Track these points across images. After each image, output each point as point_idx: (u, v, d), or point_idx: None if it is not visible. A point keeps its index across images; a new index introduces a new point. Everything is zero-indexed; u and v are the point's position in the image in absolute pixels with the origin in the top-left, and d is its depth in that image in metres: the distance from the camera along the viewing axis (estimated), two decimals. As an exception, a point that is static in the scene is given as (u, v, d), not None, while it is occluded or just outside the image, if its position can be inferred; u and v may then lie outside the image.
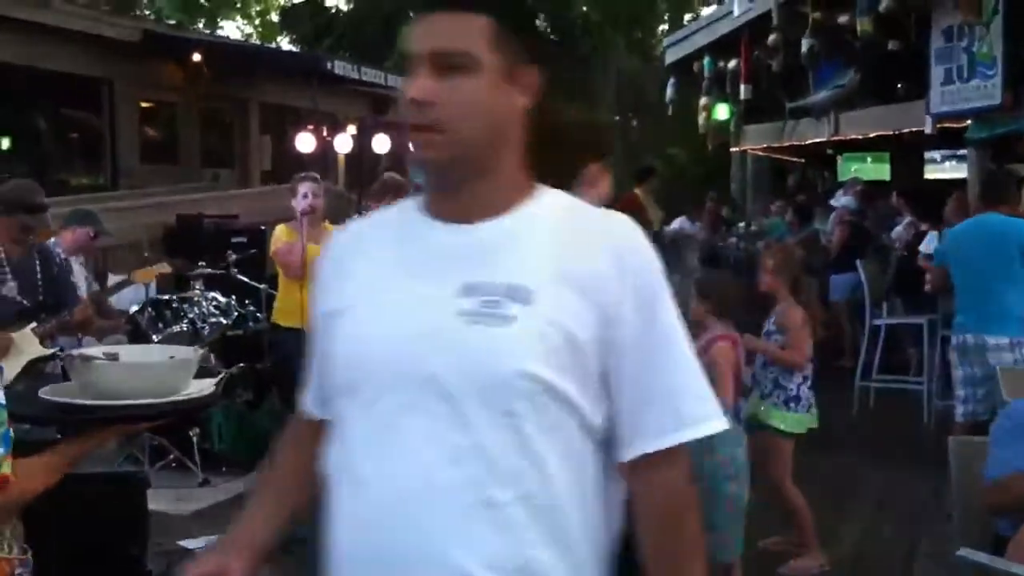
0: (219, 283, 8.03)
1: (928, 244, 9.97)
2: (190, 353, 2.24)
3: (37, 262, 5.73)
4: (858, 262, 9.68)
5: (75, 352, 2.19)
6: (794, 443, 5.22)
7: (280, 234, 6.54)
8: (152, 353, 2.32)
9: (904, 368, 9.66)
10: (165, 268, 7.03)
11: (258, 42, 27.31)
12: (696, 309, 4.62)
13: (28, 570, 2.22)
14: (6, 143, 13.13)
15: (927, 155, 15.01)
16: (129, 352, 2.24)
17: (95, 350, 2.25)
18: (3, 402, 2.07)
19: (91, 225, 7.10)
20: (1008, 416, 3.50)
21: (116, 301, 7.70)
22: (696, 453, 4.50)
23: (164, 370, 2.20)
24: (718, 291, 4.78)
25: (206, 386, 2.26)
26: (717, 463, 4.57)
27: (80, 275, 7.15)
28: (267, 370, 7.46)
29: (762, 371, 5.23)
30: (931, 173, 15.32)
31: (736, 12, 13.53)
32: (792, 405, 5.17)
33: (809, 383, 5.26)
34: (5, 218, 5.58)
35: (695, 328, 4.63)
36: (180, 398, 2.19)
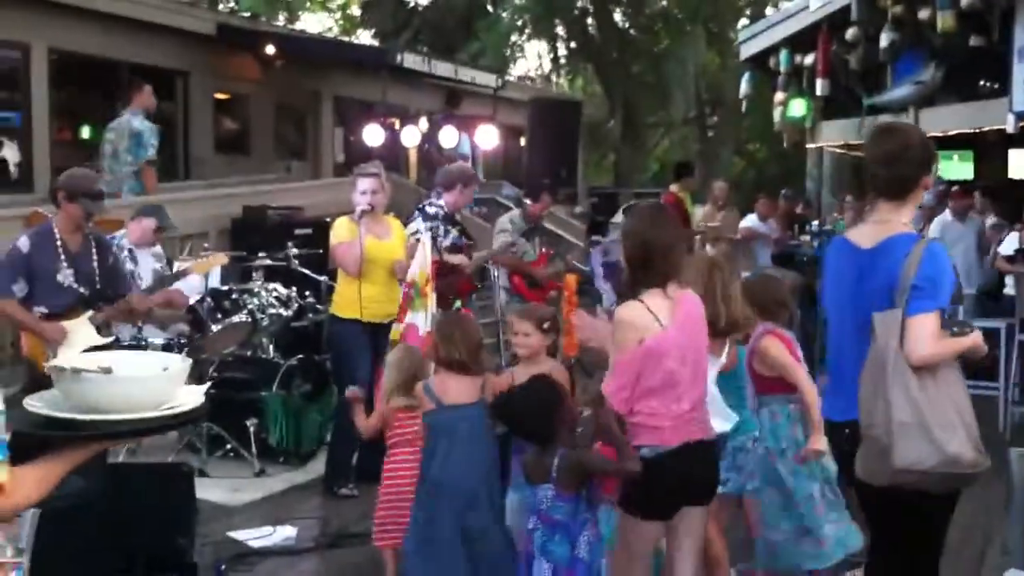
0: (280, 275, 8.06)
1: (1008, 245, 9.67)
2: (181, 363, 2.19)
3: (94, 250, 5.79)
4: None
5: (65, 364, 2.14)
6: None
7: (340, 230, 6.51)
8: (146, 364, 2.26)
9: (980, 372, 9.35)
10: (223, 259, 7.07)
11: (337, 36, 27.49)
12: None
13: (24, 571, 2.18)
14: (87, 132, 13.36)
15: (1012, 153, 14.55)
16: (123, 363, 2.19)
17: (89, 361, 2.19)
18: (2, 408, 2.04)
19: (157, 219, 7.20)
20: None
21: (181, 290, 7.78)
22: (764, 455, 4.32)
23: (155, 384, 2.15)
24: (759, 294, 4.65)
25: (196, 397, 2.21)
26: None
27: (148, 266, 7.25)
28: (325, 362, 7.47)
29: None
30: (1016, 172, 14.86)
31: (813, 6, 13.25)
32: None
33: None
34: (68, 204, 5.66)
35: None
36: (169, 412, 2.14)
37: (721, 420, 4.20)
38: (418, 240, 6.35)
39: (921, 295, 3.30)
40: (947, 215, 10.40)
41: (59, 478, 2.14)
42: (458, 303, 6.82)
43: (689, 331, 3.62)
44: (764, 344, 4.62)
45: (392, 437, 4.85)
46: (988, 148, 14.35)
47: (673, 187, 11.50)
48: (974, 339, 3.47)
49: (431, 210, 7.25)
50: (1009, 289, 9.27)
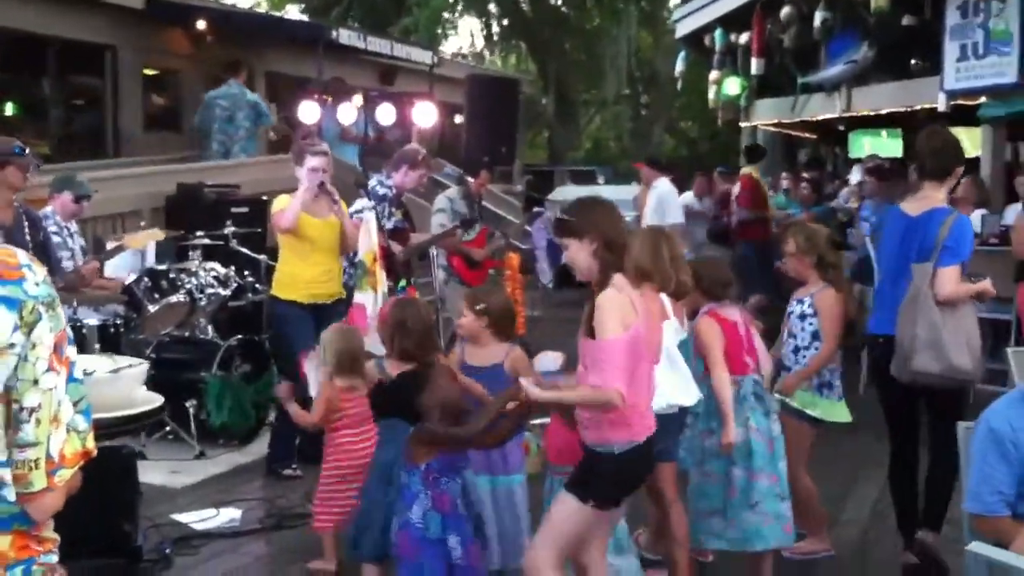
0: (218, 254, 7.92)
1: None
2: (141, 365, 2.17)
3: (26, 225, 5.66)
4: (867, 238, 9.54)
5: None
6: (814, 432, 5.10)
7: (279, 203, 6.36)
8: (97, 365, 2.23)
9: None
10: (158, 235, 6.94)
11: (268, 11, 27.07)
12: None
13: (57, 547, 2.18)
14: (10, 109, 13.02)
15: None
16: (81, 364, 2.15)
17: None
18: (80, 377, 2.08)
19: (71, 190, 7.01)
20: (987, 429, 3.44)
21: (113, 270, 7.62)
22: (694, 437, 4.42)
23: (122, 383, 2.13)
24: (704, 277, 4.70)
25: (154, 398, 2.20)
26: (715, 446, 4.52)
27: (78, 242, 7.09)
28: (265, 342, 7.36)
29: (792, 356, 5.09)
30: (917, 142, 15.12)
31: (749, -16, 13.35)
32: (825, 391, 5.06)
33: (840, 371, 5.15)
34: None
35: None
36: (134, 412, 2.11)
37: (686, 395, 4.24)
38: (361, 219, 6.28)
39: (949, 252, 4.66)
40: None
41: None
42: (403, 282, 6.77)
43: (649, 325, 3.63)
44: (700, 325, 4.66)
45: (334, 416, 4.80)
46: (917, 126, 14.56)
47: (746, 168, 11.73)
48: (983, 285, 4.78)
49: (380, 190, 7.17)
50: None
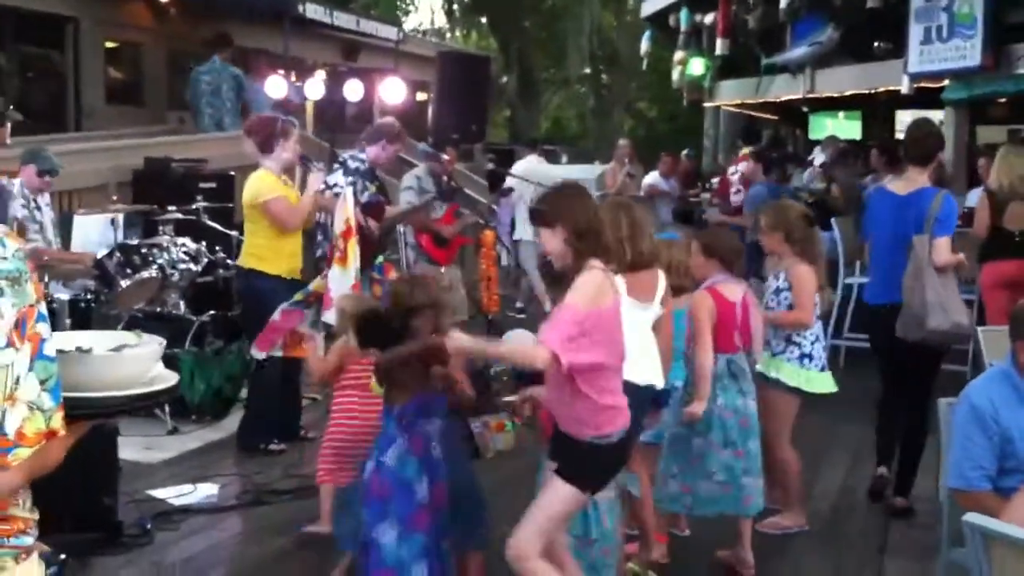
0: (188, 229, 7.86)
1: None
2: (156, 342, 2.18)
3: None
4: (833, 220, 9.66)
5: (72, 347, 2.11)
6: (798, 403, 5.19)
7: (272, 185, 6.17)
8: (116, 341, 2.23)
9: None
10: None
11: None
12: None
13: (35, 526, 2.15)
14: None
15: (900, 114, 14.97)
16: (95, 341, 2.16)
17: (65, 342, 2.17)
18: (55, 356, 2.05)
19: (36, 164, 6.93)
20: (969, 407, 3.55)
21: (83, 244, 7.56)
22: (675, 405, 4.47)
23: (140, 360, 2.13)
24: (716, 246, 4.86)
25: (170, 375, 2.22)
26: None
27: (47, 215, 7.03)
28: (237, 317, 7.32)
29: (772, 330, 5.18)
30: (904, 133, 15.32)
31: (715, -36, 13.42)
32: (806, 362, 5.14)
33: (823, 343, 5.25)
34: None
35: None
36: (152, 389, 2.13)
37: (656, 376, 4.28)
38: (337, 194, 6.23)
39: (941, 226, 5.33)
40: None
41: (68, 447, 2.15)
42: (380, 258, 6.77)
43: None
44: (695, 298, 4.72)
45: (344, 379, 4.79)
46: (876, 108, 14.74)
47: (746, 149, 11.86)
48: (959, 257, 5.44)
49: (353, 164, 7.14)
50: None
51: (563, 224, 3.53)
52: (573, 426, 3.55)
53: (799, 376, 5.11)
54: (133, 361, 2.12)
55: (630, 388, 3.75)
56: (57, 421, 2.05)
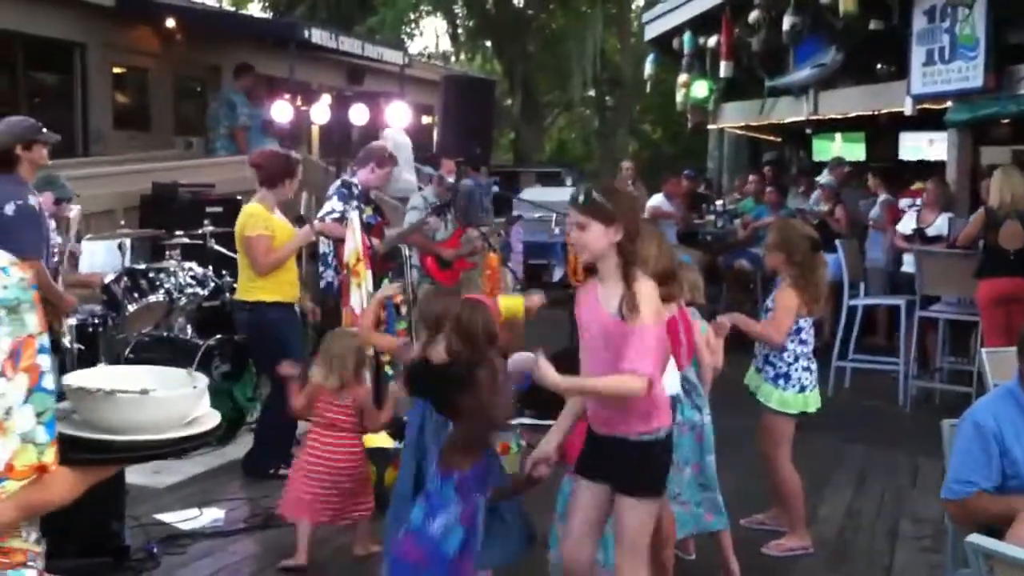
0: (195, 253, 7.91)
1: (906, 224, 10.00)
2: (204, 381, 2.20)
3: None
4: (838, 242, 9.68)
5: (93, 386, 2.12)
6: (792, 423, 5.19)
7: (259, 220, 6.16)
8: (163, 377, 2.24)
9: (880, 349, 9.71)
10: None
11: (233, 9, 26.91)
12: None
13: (41, 558, 2.11)
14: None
15: (903, 136, 14.99)
16: (144, 380, 2.18)
17: (105, 379, 2.18)
18: (54, 389, 2.00)
19: (52, 191, 6.98)
20: (972, 423, 3.54)
21: (90, 268, 7.61)
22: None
23: (187, 402, 2.14)
24: None
25: (212, 414, 2.23)
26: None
27: (55, 239, 7.05)
28: (244, 342, 7.34)
29: (758, 345, 5.22)
30: (906, 154, 15.34)
31: (718, -12, 13.46)
32: (781, 383, 5.15)
33: (805, 364, 5.21)
34: (25, 152, 5.61)
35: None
36: (198, 431, 2.14)
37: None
38: (337, 220, 6.28)
39: None
40: None
41: (87, 486, 2.10)
42: (386, 280, 6.81)
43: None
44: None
45: (313, 416, 5.09)
46: (879, 130, 14.75)
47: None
48: None
49: (345, 189, 7.21)
50: (907, 267, 9.58)
51: (622, 224, 3.45)
52: (623, 425, 3.54)
53: (772, 395, 5.14)
54: (186, 401, 2.14)
55: None
56: (50, 456, 1.98)
